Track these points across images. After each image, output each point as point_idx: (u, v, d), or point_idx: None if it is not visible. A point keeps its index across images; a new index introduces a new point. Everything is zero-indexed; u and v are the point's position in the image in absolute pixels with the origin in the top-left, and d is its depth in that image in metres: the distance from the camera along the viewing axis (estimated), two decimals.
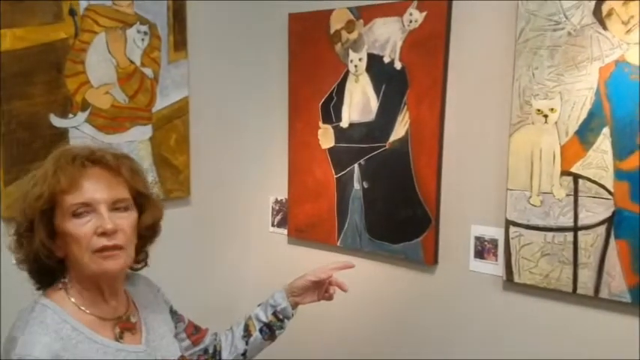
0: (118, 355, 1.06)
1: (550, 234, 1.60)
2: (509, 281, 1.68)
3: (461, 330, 1.83)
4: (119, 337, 1.08)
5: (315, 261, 2.20)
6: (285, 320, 1.42)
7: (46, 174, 1.04)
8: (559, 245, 1.59)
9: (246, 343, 1.39)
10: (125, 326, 1.11)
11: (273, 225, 2.35)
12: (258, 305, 1.45)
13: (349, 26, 1.97)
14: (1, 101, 1.57)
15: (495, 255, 1.73)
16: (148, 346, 1.13)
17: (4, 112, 1.58)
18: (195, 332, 1.36)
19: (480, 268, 1.76)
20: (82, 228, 1.02)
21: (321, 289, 1.45)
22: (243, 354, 1.39)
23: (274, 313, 1.41)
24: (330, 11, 2.01)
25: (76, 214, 1.03)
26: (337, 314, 2.16)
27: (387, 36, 1.88)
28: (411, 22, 1.82)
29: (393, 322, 2.00)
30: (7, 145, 1.58)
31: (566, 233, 1.58)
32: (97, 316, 1.07)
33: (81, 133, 1.75)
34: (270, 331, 1.41)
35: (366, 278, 2.06)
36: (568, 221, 1.57)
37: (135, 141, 1.90)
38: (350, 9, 1.97)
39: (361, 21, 1.94)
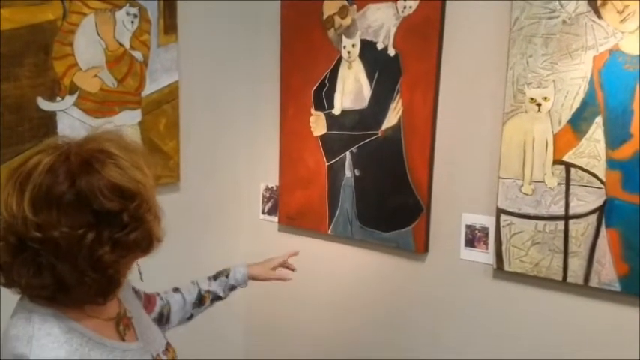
0: (126, 355, 1.00)
1: (541, 223, 1.60)
2: (500, 269, 1.69)
3: (451, 317, 1.83)
4: (124, 335, 1.03)
5: (305, 249, 2.19)
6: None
7: None
8: (550, 234, 1.59)
9: (194, 308, 1.45)
10: (126, 323, 1.06)
11: (263, 212, 2.34)
12: (215, 279, 1.50)
13: (342, 12, 1.95)
14: None
15: (486, 243, 1.73)
16: (143, 340, 1.08)
17: None
18: (149, 303, 1.33)
19: (470, 256, 1.77)
20: None
21: None
22: (189, 317, 1.46)
23: (231, 288, 1.51)
24: None
25: None
26: (328, 301, 2.16)
27: (381, 22, 1.87)
28: (405, 8, 1.81)
29: (384, 310, 2.00)
30: None
31: (557, 222, 1.58)
32: (100, 317, 1.00)
33: (69, 116, 1.72)
34: (221, 300, 1.51)
35: (356, 266, 2.06)
36: (559, 210, 1.58)
37: (124, 125, 1.86)
38: None
39: (355, 6, 1.92)
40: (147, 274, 1.24)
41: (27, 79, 1.61)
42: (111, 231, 0.90)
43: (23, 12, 1.58)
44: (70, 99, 1.72)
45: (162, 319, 1.36)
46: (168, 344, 1.17)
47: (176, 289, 1.44)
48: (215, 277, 1.50)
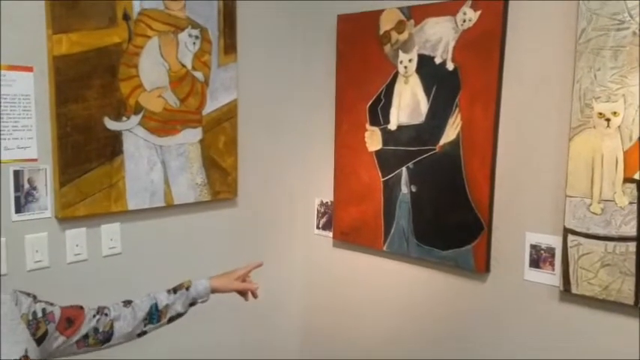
0: None
1: (611, 244, 1.53)
2: (567, 292, 1.62)
3: (513, 341, 1.77)
4: None
5: (360, 265, 2.19)
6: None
7: None
8: (620, 255, 1.52)
9: (147, 325, 1.38)
10: None
11: (318, 227, 2.34)
12: (175, 292, 1.43)
13: (399, 27, 1.94)
14: (57, 104, 1.60)
15: (552, 264, 1.66)
16: None
17: (60, 115, 1.61)
18: (68, 325, 1.26)
19: (535, 277, 1.70)
20: None
21: None
22: (141, 334, 1.39)
23: (192, 303, 1.45)
24: (380, 11, 1.98)
25: None
26: (382, 318, 2.13)
27: (439, 36, 1.84)
28: (464, 21, 1.77)
29: (441, 331, 1.96)
30: (62, 147, 1.62)
31: (629, 243, 1.50)
32: None
33: (134, 135, 1.78)
34: (180, 317, 1.44)
35: (412, 284, 2.03)
36: (631, 230, 1.50)
37: (185, 143, 1.91)
38: (401, 9, 1.93)
39: (412, 21, 1.90)
40: None
41: (94, 100, 1.68)
42: None
43: (91, 36, 1.65)
44: (135, 119, 1.78)
45: (98, 336, 1.31)
46: (24, 357, 1.13)
47: (127, 303, 1.38)
48: (175, 289, 1.44)
